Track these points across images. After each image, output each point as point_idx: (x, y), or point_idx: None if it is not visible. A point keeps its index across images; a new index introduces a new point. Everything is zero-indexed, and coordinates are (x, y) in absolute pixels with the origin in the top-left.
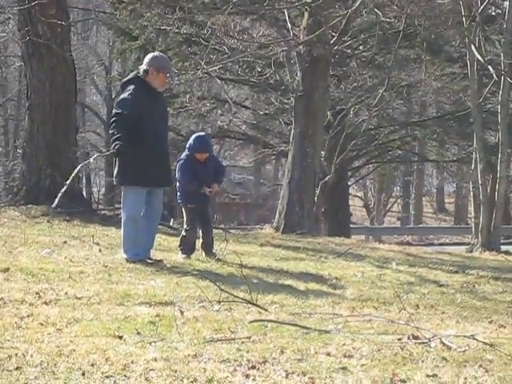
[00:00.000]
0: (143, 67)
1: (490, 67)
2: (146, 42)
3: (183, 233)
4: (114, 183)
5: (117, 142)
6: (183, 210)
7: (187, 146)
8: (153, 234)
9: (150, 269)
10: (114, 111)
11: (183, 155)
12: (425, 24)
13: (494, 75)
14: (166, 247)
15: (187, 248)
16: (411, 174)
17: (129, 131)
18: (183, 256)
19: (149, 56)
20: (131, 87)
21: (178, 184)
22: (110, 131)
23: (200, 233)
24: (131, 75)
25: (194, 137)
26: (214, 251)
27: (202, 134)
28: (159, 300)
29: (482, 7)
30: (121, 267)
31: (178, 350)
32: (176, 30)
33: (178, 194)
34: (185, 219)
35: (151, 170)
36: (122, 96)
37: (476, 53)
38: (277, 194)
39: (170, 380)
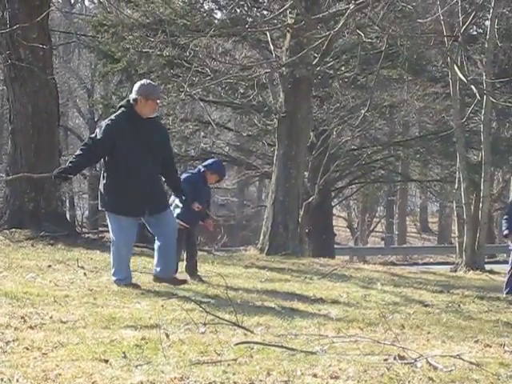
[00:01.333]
0: (132, 96)
1: (473, 87)
2: (128, 65)
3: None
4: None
5: (62, 167)
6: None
7: (203, 164)
8: (170, 258)
9: (135, 292)
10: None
11: (194, 170)
12: (407, 44)
13: (477, 94)
14: (150, 270)
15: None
16: (394, 194)
17: (103, 157)
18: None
19: (137, 84)
20: (117, 113)
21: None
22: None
23: (184, 255)
24: (124, 101)
25: (215, 160)
26: (198, 273)
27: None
28: (145, 323)
29: (464, 27)
30: (106, 290)
31: (164, 373)
32: (158, 53)
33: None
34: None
35: (124, 199)
36: (104, 121)
37: (459, 72)
38: (261, 216)
39: None
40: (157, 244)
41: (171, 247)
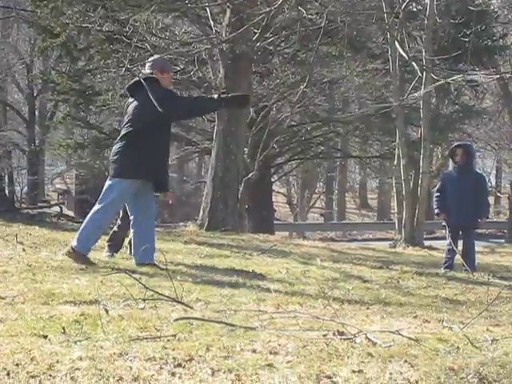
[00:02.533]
0: (147, 71)
1: (413, 63)
2: (67, 40)
3: (115, 228)
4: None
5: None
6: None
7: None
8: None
9: (74, 267)
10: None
11: None
12: (347, 21)
13: (418, 71)
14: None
15: (115, 244)
16: (334, 170)
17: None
18: (108, 254)
19: (152, 60)
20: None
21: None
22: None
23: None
24: (143, 76)
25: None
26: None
27: None
28: (84, 299)
29: (404, 4)
30: (45, 266)
31: (103, 349)
32: (98, 28)
33: None
34: (121, 215)
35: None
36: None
37: (400, 49)
38: (200, 191)
39: (96, 379)
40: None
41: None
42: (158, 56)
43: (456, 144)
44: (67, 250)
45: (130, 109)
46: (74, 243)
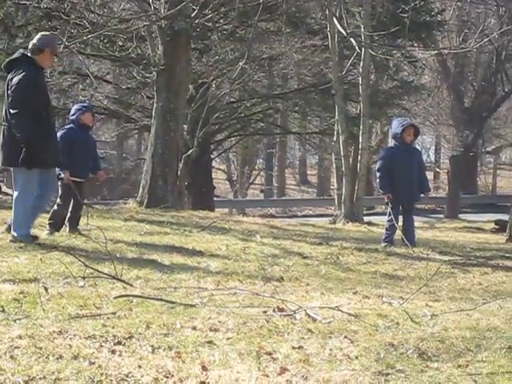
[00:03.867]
0: (38, 46)
1: (352, 39)
2: (5, 17)
3: (55, 207)
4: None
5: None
6: (59, 184)
7: (71, 114)
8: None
9: (13, 245)
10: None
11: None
12: None
13: (356, 47)
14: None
15: (56, 223)
16: (274, 147)
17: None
18: (47, 232)
19: (43, 36)
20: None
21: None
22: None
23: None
24: (17, 54)
25: (76, 105)
26: (78, 227)
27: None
28: (23, 277)
29: None
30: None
31: (42, 327)
32: (36, 5)
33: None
34: (59, 193)
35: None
36: (21, 77)
37: (338, 25)
38: (140, 169)
39: (36, 357)
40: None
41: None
42: (51, 33)
43: (410, 123)
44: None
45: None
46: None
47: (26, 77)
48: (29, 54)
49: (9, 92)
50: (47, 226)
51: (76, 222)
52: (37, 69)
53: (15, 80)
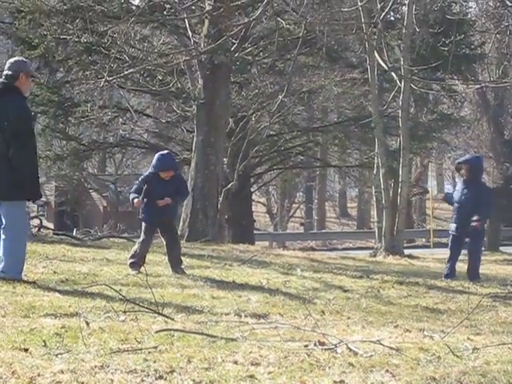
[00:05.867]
0: (8, 73)
1: (393, 73)
2: (45, 51)
3: (135, 245)
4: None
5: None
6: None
7: (152, 164)
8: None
9: (55, 279)
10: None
11: (146, 172)
12: (325, 31)
13: (397, 81)
14: (70, 258)
15: (136, 262)
16: (314, 180)
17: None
18: (134, 272)
19: (13, 62)
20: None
21: None
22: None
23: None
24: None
25: (157, 156)
26: (182, 267)
27: (166, 152)
28: (64, 311)
29: (383, 14)
30: (25, 278)
31: (84, 362)
32: (76, 39)
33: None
34: (142, 231)
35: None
36: (20, 109)
37: (379, 58)
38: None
39: None
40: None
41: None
42: (21, 57)
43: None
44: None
45: None
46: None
47: (24, 108)
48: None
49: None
50: (128, 264)
51: (176, 262)
52: (23, 97)
53: (14, 111)
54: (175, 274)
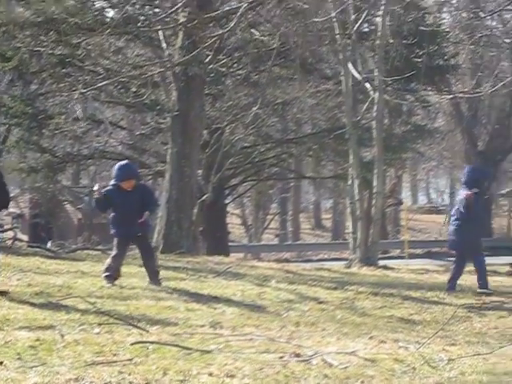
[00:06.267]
0: None
1: (367, 84)
2: (19, 63)
3: (109, 259)
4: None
5: None
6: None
7: (113, 176)
8: None
9: (29, 292)
10: None
11: (109, 185)
12: (298, 42)
13: (372, 92)
14: (44, 270)
15: (111, 275)
16: (288, 191)
17: None
18: (108, 285)
19: None
20: None
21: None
22: None
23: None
24: None
25: (117, 166)
26: (160, 278)
27: (124, 162)
28: (39, 324)
29: (357, 25)
30: None
31: (59, 374)
32: (50, 51)
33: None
34: (114, 245)
35: None
36: None
37: (353, 70)
38: (154, 214)
39: None
40: None
41: None
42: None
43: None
44: None
45: None
46: None
47: None
48: None
49: None
50: (104, 277)
51: (154, 275)
52: None
53: None
54: (153, 285)
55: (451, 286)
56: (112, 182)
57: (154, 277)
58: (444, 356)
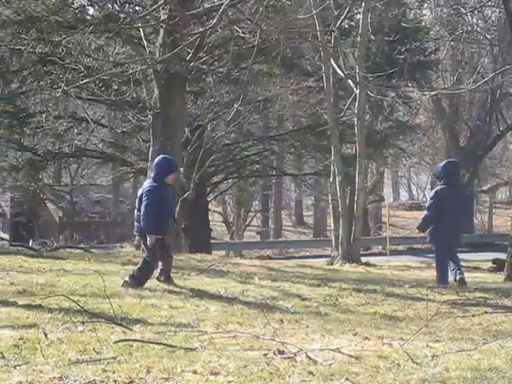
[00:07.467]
0: None
1: (349, 81)
2: (0, 62)
3: (143, 264)
4: None
5: None
6: (148, 239)
7: (155, 169)
8: None
9: (12, 290)
10: None
11: (152, 182)
12: (280, 39)
13: (354, 88)
14: (27, 269)
15: (144, 281)
16: (270, 188)
17: None
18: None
19: None
20: None
21: (144, 212)
22: None
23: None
24: None
25: (161, 158)
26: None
27: (166, 155)
28: (22, 323)
29: (339, 22)
30: None
31: (43, 373)
32: (31, 50)
33: (144, 223)
34: (148, 249)
35: None
36: None
37: (335, 66)
38: None
39: None
40: None
41: None
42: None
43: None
44: None
45: None
46: None
47: None
48: None
49: None
50: (129, 282)
51: (169, 273)
52: None
53: None
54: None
55: (443, 281)
56: (157, 177)
57: (169, 277)
58: (428, 352)
